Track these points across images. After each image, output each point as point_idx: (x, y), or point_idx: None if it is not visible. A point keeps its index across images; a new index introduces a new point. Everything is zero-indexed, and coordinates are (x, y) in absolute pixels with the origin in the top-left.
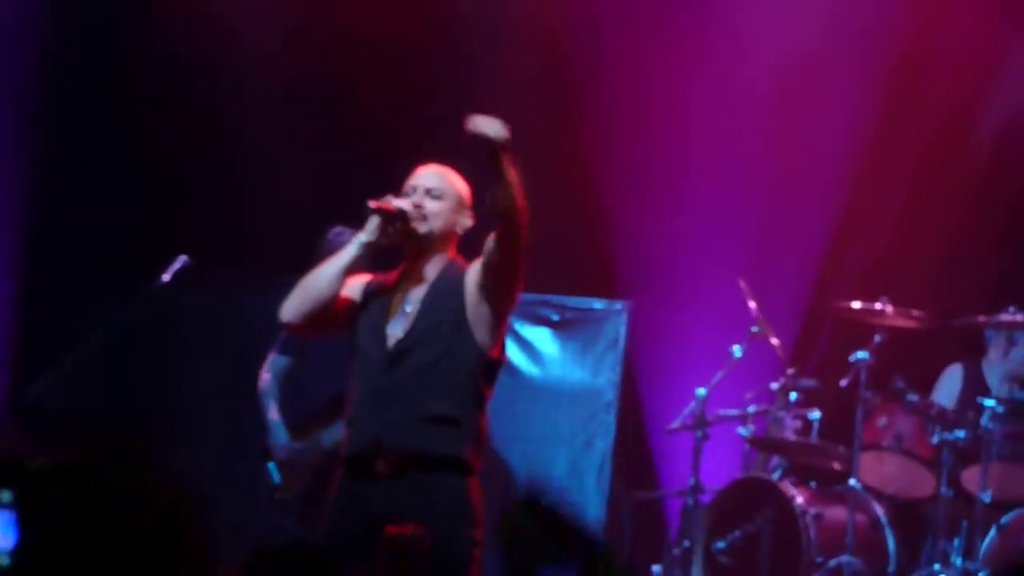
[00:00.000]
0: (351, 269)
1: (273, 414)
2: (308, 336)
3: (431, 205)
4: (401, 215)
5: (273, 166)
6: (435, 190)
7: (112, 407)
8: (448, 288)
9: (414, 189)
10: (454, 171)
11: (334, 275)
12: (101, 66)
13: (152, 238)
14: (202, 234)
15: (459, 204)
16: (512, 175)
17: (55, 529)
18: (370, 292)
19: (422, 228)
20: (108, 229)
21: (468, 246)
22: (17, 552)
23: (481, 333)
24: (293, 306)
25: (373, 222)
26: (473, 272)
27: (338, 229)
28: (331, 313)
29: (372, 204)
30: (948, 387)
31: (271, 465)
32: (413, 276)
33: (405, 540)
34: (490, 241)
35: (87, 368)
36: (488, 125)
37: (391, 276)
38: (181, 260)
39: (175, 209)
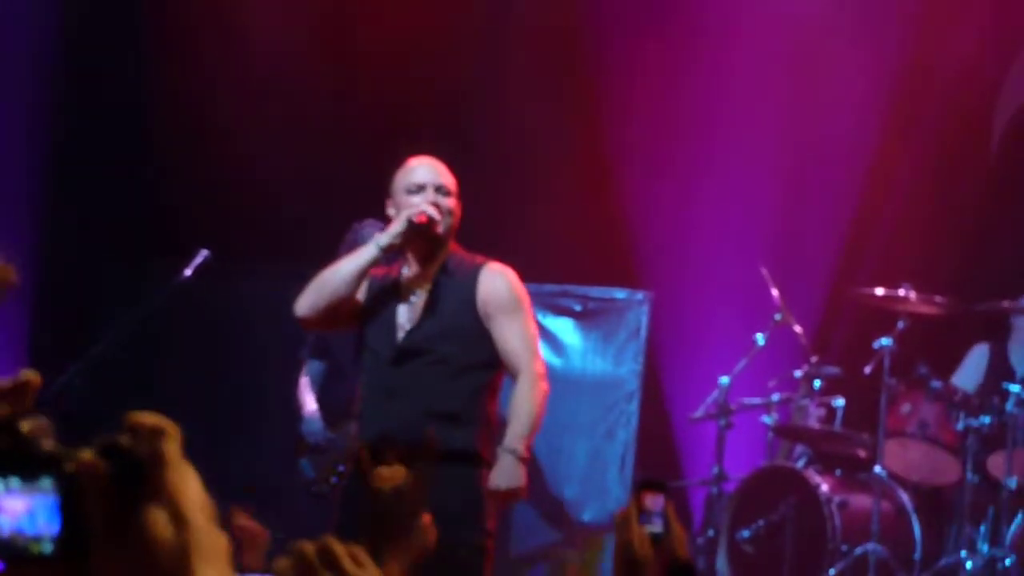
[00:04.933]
0: (368, 270)
1: (310, 406)
2: (319, 330)
3: (446, 203)
4: (432, 222)
5: (295, 159)
6: (444, 187)
7: (133, 401)
8: (457, 286)
9: (420, 188)
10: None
11: (352, 275)
12: (121, 56)
13: (173, 232)
14: (223, 228)
15: (458, 195)
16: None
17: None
18: (376, 287)
19: (441, 229)
20: (128, 223)
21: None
22: (60, 538)
23: (490, 330)
24: (308, 302)
25: (400, 227)
26: (488, 294)
27: (368, 221)
28: (343, 310)
29: (417, 219)
30: (975, 366)
31: (304, 462)
32: (420, 271)
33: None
34: (507, 353)
35: (108, 362)
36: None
37: (395, 270)
38: (202, 254)
39: (196, 203)
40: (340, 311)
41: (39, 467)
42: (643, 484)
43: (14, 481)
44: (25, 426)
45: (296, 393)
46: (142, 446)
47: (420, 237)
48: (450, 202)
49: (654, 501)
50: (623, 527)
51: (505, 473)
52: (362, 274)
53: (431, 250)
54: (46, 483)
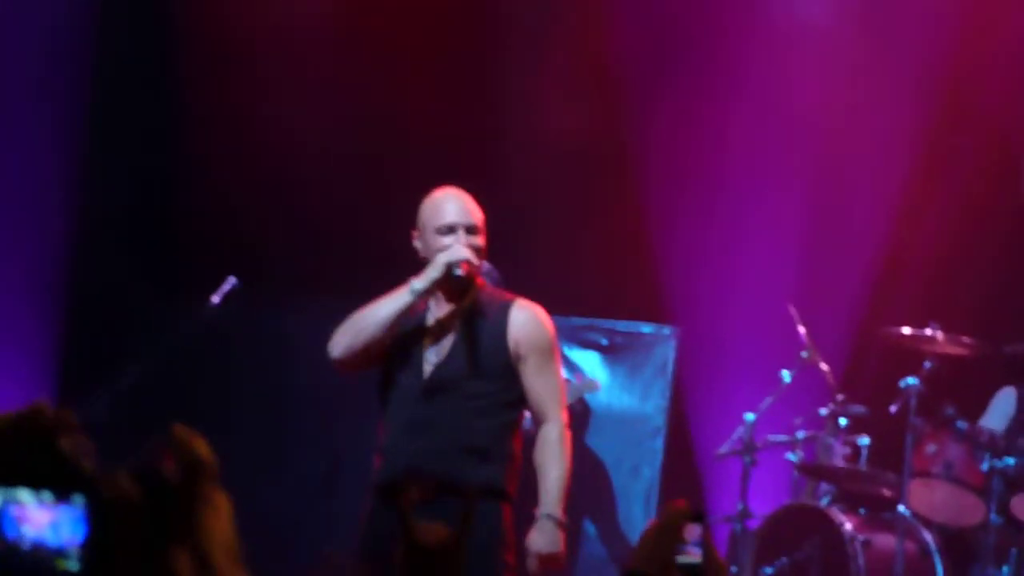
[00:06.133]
0: (404, 312)
1: None
2: (353, 371)
3: (475, 243)
4: (470, 271)
5: (324, 190)
6: (474, 226)
7: (163, 427)
8: (487, 323)
9: (450, 229)
10: (465, 193)
11: (388, 319)
12: (154, 85)
13: (202, 259)
14: (252, 256)
15: (485, 229)
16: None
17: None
18: (402, 321)
19: (473, 270)
20: (157, 249)
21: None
22: (86, 558)
23: (520, 369)
24: (343, 344)
25: (437, 273)
26: (521, 334)
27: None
28: (377, 351)
29: (462, 270)
30: (1001, 409)
31: None
32: (444, 308)
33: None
34: (533, 392)
35: (138, 388)
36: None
37: (421, 304)
38: (231, 282)
39: (225, 230)
40: (374, 352)
41: (74, 485)
42: (683, 515)
43: (47, 495)
44: (64, 444)
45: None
46: (180, 479)
47: (454, 281)
48: (480, 241)
49: (692, 531)
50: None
51: (545, 538)
52: (398, 318)
53: (462, 289)
54: (78, 500)
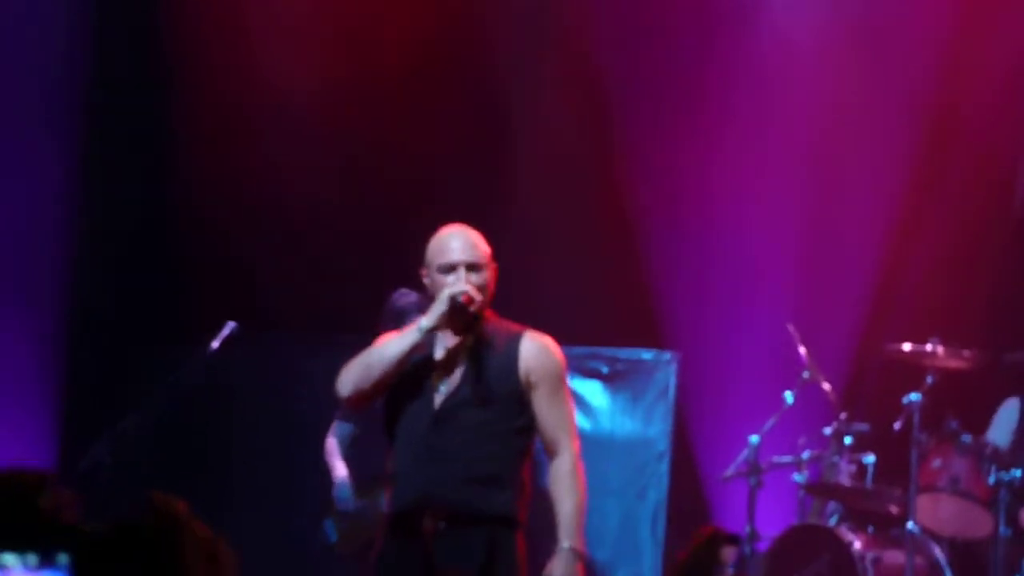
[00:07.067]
0: (412, 351)
1: (340, 471)
2: (361, 409)
3: (478, 280)
4: (473, 302)
5: (323, 228)
6: (479, 263)
7: (166, 472)
8: (498, 353)
9: (451, 268)
10: (472, 229)
11: (396, 357)
12: (148, 131)
13: (200, 303)
14: (252, 295)
15: (492, 264)
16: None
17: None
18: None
19: (476, 307)
20: (156, 294)
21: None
22: None
23: (531, 400)
24: (352, 382)
25: (442, 308)
26: (533, 365)
27: (402, 291)
28: (384, 388)
29: (463, 299)
30: (1006, 421)
31: (329, 522)
32: (453, 338)
33: None
34: (546, 428)
35: (140, 433)
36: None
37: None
38: (230, 326)
39: (226, 273)
40: (382, 389)
41: (56, 542)
42: (721, 538)
43: (31, 558)
44: (44, 501)
45: (324, 455)
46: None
47: (459, 315)
48: (482, 279)
49: (728, 553)
50: None
51: (566, 570)
52: (407, 356)
53: (468, 323)
54: (62, 560)
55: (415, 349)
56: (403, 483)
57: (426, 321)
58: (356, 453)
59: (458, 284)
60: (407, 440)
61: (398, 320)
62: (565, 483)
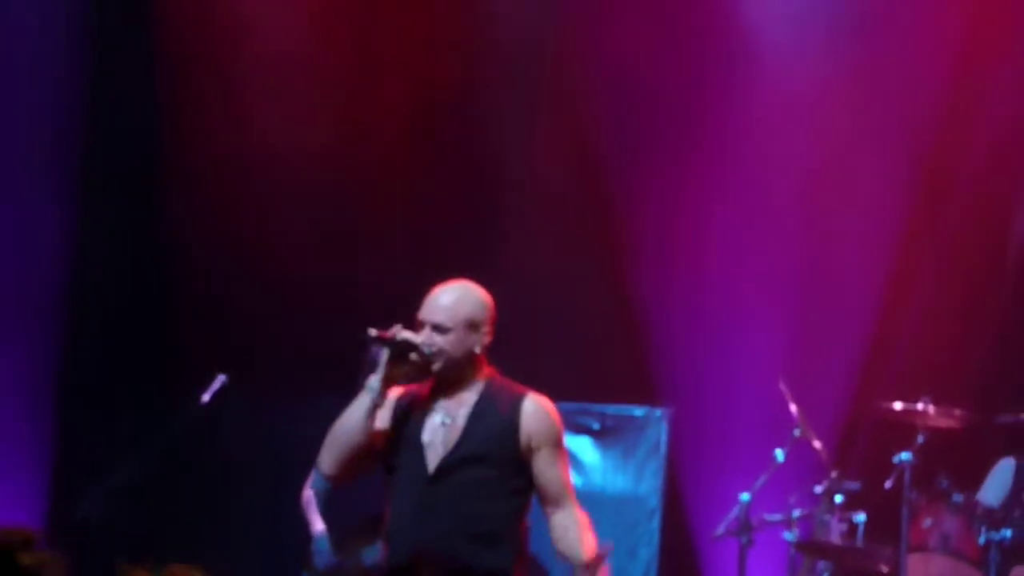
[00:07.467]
0: (373, 411)
1: (318, 525)
2: (352, 481)
3: (439, 340)
4: (407, 345)
5: (315, 280)
6: (441, 325)
7: (156, 525)
8: (498, 413)
9: (420, 324)
10: (470, 285)
11: (358, 423)
12: (137, 184)
13: (190, 357)
14: (242, 353)
15: (468, 329)
16: None
17: None
18: (404, 408)
19: (436, 366)
20: (147, 350)
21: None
22: None
23: (531, 461)
24: (329, 459)
25: (383, 356)
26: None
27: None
28: (367, 454)
29: (372, 332)
30: (999, 481)
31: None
32: (451, 396)
33: None
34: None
35: (131, 487)
36: None
37: (425, 389)
38: (220, 380)
39: (214, 328)
40: (364, 456)
41: None
42: None
43: None
44: (25, 559)
45: (301, 506)
46: None
47: (415, 368)
48: (443, 340)
49: None
50: None
51: None
52: (369, 419)
53: (447, 378)
54: None
55: (383, 407)
56: (399, 538)
57: (374, 380)
58: (335, 505)
59: (402, 331)
60: (404, 495)
61: (373, 369)
62: (573, 536)
